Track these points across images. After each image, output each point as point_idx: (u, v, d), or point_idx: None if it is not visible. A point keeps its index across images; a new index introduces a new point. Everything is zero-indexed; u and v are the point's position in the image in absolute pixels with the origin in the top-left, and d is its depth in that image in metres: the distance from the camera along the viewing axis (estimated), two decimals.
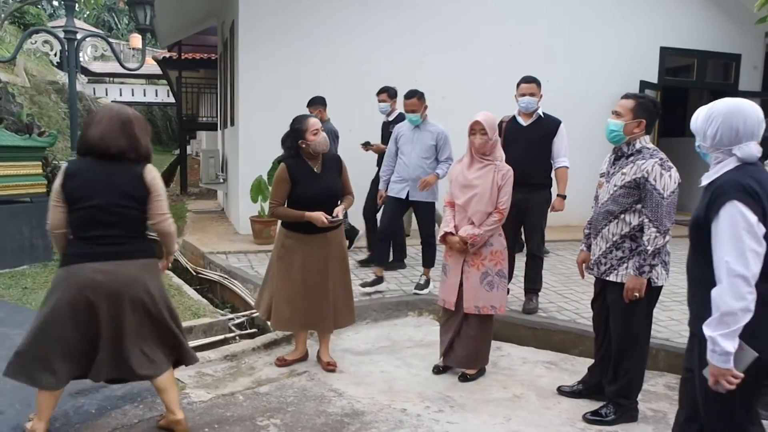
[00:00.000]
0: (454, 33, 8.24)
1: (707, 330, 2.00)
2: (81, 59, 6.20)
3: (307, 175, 3.69)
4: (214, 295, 6.03)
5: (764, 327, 2.02)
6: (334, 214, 3.64)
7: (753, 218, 1.96)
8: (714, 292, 2.00)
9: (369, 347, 4.28)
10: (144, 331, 2.77)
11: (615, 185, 3.13)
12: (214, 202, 11.51)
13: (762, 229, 1.97)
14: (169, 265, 3.14)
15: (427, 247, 5.30)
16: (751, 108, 2.10)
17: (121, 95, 26.13)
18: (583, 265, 3.43)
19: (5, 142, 5.57)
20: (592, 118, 8.32)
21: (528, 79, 4.69)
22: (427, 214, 5.29)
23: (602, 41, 8.93)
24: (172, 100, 26.18)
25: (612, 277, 3.16)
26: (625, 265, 3.10)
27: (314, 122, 3.69)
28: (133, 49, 28.49)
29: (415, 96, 5.09)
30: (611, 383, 3.28)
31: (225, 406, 3.32)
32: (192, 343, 4.29)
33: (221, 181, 9.76)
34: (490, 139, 3.55)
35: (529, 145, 4.63)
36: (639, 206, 3.05)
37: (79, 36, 5.97)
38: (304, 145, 3.67)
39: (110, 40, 6.24)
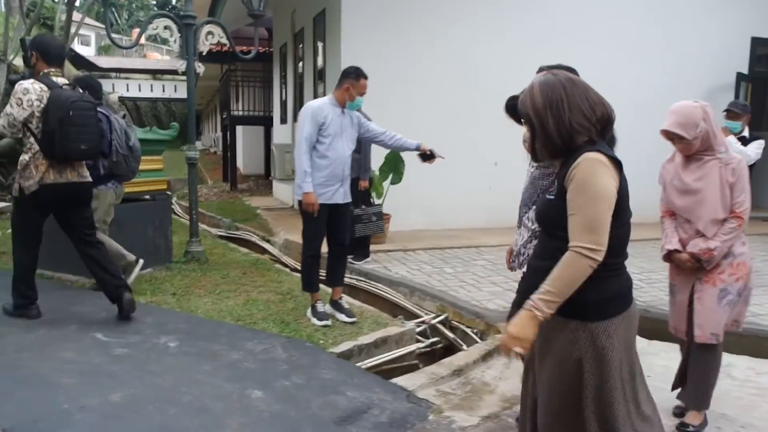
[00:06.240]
0: (549, 28, 8.06)
1: None
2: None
3: None
4: None
5: None
6: None
7: None
8: None
9: None
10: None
11: None
12: (271, 198, 11.02)
13: None
14: None
15: None
16: None
17: (128, 90, 25.45)
18: None
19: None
20: None
21: None
22: None
23: (691, 36, 8.77)
24: (179, 95, 25.53)
25: None
26: None
27: None
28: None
29: None
30: None
31: (503, 430, 2.95)
32: (387, 356, 3.97)
33: None
34: (695, 137, 2.78)
35: None
36: None
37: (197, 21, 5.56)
38: None
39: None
